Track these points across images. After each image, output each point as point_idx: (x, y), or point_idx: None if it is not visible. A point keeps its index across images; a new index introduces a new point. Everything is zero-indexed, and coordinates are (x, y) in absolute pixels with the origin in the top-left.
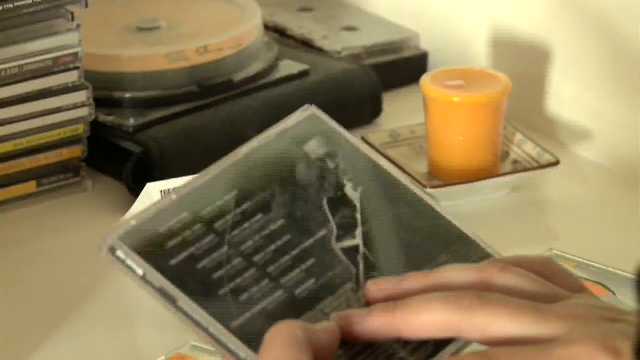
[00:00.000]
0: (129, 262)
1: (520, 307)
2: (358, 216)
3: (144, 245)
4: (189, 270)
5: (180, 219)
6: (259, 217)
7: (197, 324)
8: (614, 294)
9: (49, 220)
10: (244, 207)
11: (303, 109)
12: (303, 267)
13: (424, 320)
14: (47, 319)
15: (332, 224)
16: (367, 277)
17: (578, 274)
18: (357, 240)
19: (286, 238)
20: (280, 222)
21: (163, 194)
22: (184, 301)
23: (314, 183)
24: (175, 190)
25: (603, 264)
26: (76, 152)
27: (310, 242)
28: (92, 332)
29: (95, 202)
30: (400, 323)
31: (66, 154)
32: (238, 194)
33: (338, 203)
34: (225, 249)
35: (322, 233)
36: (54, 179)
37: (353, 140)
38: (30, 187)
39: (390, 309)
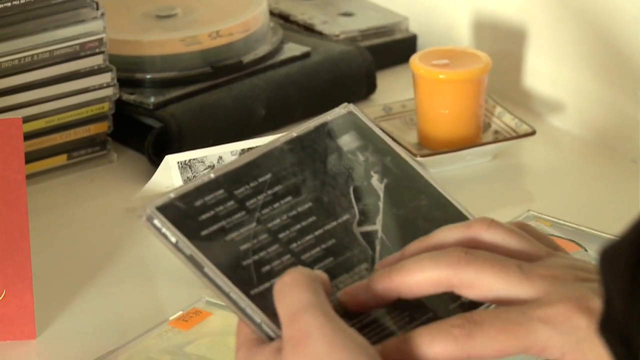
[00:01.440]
0: (164, 230)
1: (504, 266)
2: (381, 204)
3: (179, 216)
4: (218, 240)
5: (216, 195)
6: (289, 198)
7: (220, 289)
8: (585, 249)
9: (78, 188)
10: (276, 188)
11: (344, 104)
12: (324, 246)
13: (417, 279)
14: (77, 277)
15: (356, 210)
16: (382, 260)
17: (552, 232)
18: (377, 226)
19: (312, 219)
20: (308, 204)
21: (180, 164)
22: (209, 268)
23: (343, 172)
24: (215, 169)
25: (575, 222)
26: (102, 127)
27: (333, 223)
28: (117, 288)
29: (120, 172)
30: (397, 284)
31: (93, 129)
32: (272, 176)
33: (364, 191)
34: (253, 225)
35: (345, 217)
36: (83, 151)
37: (385, 135)
38: (61, 159)
39: (386, 274)
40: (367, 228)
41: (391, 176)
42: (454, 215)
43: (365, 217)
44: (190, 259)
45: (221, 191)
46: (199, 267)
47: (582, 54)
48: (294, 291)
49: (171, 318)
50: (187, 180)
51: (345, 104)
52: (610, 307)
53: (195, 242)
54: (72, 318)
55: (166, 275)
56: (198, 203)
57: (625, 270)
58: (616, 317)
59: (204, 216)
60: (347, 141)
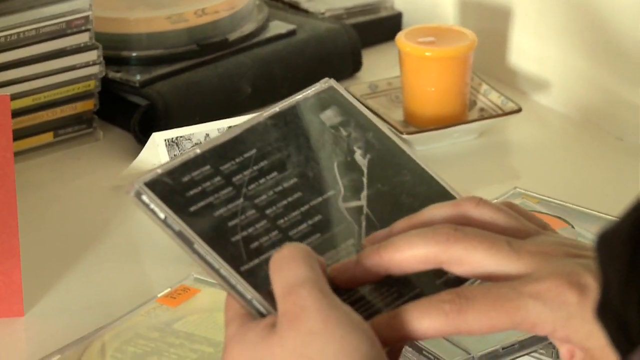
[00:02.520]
0: (152, 206)
1: (494, 242)
2: (365, 180)
3: (167, 192)
4: (206, 216)
5: (202, 171)
6: (274, 174)
7: (210, 266)
8: (572, 226)
9: (64, 166)
10: (262, 164)
11: (325, 79)
12: (310, 222)
13: (406, 256)
14: (64, 255)
15: (341, 185)
16: (368, 235)
17: (539, 208)
18: (362, 202)
19: (297, 194)
20: (293, 180)
21: (167, 141)
22: (199, 244)
23: (327, 147)
24: (200, 145)
25: (561, 199)
26: (88, 105)
27: (319, 199)
28: (105, 266)
29: (106, 150)
30: (386, 261)
31: (79, 107)
32: (257, 152)
33: (348, 166)
34: (241, 201)
35: (330, 192)
36: (69, 129)
37: (367, 111)
38: (48, 137)
39: (375, 250)
40: (353, 204)
41: (374, 151)
42: (437, 191)
43: (350, 192)
44: (180, 235)
45: (207, 167)
46: (188, 243)
47: (567, 32)
48: (290, 265)
49: (159, 295)
50: (174, 158)
51: (326, 78)
52: (607, 291)
53: (184, 218)
54: (60, 295)
55: (154, 253)
56: (185, 179)
57: (622, 255)
58: (613, 302)
59: (191, 192)
60: (330, 116)
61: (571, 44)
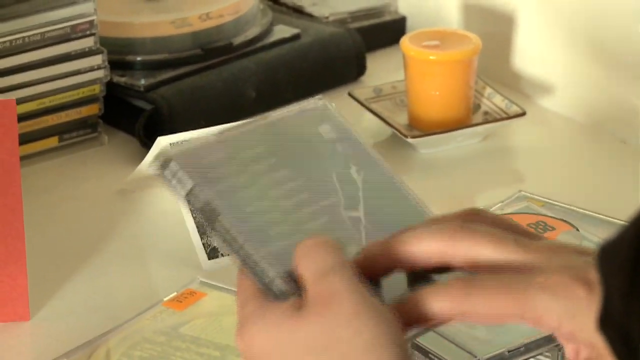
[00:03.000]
0: (180, 174)
1: (501, 237)
2: (361, 194)
3: (193, 165)
4: (229, 197)
5: (220, 157)
6: (283, 171)
7: (234, 241)
8: (577, 229)
9: (70, 170)
10: (272, 160)
11: (318, 97)
12: (319, 221)
13: (414, 250)
14: (70, 258)
15: (341, 194)
16: None
17: (544, 211)
18: (360, 213)
19: (305, 195)
20: (300, 181)
21: (172, 145)
22: (225, 216)
23: (327, 158)
24: (218, 133)
25: (565, 202)
26: (93, 109)
27: (324, 202)
28: (111, 270)
29: (111, 154)
30: (393, 256)
31: (84, 111)
32: (265, 149)
33: (345, 179)
34: (256, 189)
35: (333, 199)
36: (74, 133)
37: (358, 134)
38: (53, 141)
39: (383, 244)
40: (353, 213)
41: (367, 170)
42: (426, 215)
43: (350, 202)
44: (205, 206)
45: (224, 153)
46: (213, 215)
47: (571, 35)
48: (320, 252)
49: (165, 299)
50: (190, 141)
51: (320, 96)
52: (609, 303)
53: (211, 190)
54: (66, 299)
55: (160, 256)
56: (206, 161)
57: (624, 268)
58: (615, 313)
59: (213, 173)
60: (326, 130)
61: (575, 47)
